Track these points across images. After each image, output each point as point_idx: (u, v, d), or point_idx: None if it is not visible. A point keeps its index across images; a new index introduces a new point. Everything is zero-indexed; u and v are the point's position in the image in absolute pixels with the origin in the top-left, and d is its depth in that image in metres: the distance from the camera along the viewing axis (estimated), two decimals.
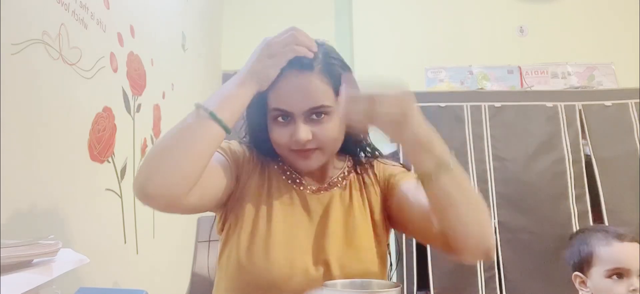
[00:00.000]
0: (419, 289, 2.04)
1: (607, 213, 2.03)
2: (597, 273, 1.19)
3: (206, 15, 2.89)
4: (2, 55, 0.98)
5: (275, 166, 0.92)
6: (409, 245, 1.99)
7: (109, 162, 1.47)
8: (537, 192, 2.07)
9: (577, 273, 1.24)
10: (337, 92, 0.76)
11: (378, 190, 0.94)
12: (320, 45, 0.85)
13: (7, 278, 0.54)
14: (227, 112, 0.76)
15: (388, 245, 0.97)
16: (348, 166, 0.95)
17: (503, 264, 2.00)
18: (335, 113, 0.82)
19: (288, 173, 0.92)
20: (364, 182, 0.94)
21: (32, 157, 1.09)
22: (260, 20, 3.38)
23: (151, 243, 1.79)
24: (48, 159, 1.15)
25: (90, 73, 1.36)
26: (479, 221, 0.74)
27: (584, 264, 1.22)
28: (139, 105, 1.72)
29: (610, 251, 1.18)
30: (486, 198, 2.06)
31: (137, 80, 1.71)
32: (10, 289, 0.54)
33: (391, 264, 1.02)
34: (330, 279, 0.79)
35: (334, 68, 0.83)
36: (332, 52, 0.86)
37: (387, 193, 0.93)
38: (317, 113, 0.82)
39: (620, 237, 1.19)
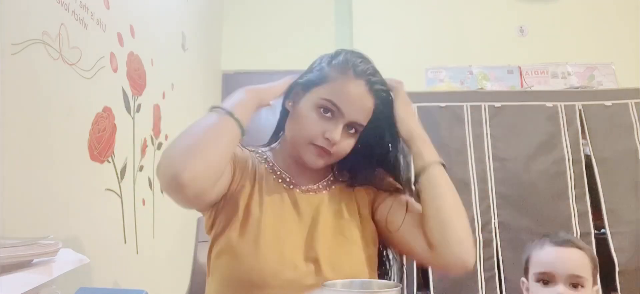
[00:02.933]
0: (419, 289, 2.04)
1: (607, 213, 2.03)
2: (530, 277, 1.12)
3: (206, 15, 2.89)
4: (2, 55, 0.98)
5: (265, 166, 0.93)
6: None
7: (109, 162, 1.47)
8: (537, 192, 2.07)
9: (522, 278, 1.18)
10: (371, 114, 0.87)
11: (367, 199, 0.95)
12: (368, 60, 0.89)
13: (7, 278, 0.54)
14: (242, 115, 0.80)
15: (382, 248, 0.98)
16: (332, 177, 0.97)
17: (503, 264, 2.00)
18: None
19: (278, 172, 0.93)
20: (354, 188, 0.95)
21: (32, 157, 1.09)
22: (260, 21, 3.38)
23: (151, 243, 1.79)
24: (48, 159, 1.15)
25: (90, 73, 1.36)
26: (462, 224, 0.83)
27: (525, 269, 1.16)
28: (139, 105, 1.72)
29: (539, 255, 1.10)
30: (486, 198, 2.06)
31: (137, 80, 1.71)
32: (10, 289, 0.54)
33: (391, 264, 1.02)
34: (321, 276, 0.80)
35: (379, 93, 0.88)
36: (378, 73, 0.90)
37: (375, 203, 0.95)
38: (355, 127, 0.87)
39: (560, 243, 1.09)
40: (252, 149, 0.97)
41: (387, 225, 0.90)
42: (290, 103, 0.93)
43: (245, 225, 0.84)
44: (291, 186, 0.91)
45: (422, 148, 0.87)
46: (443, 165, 0.87)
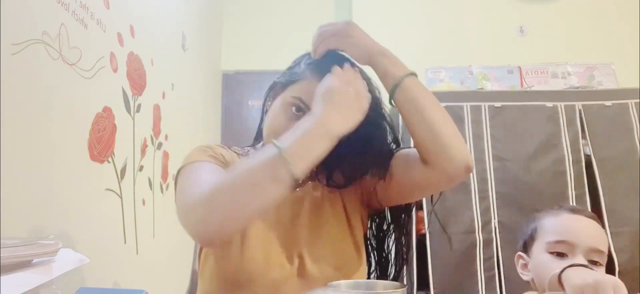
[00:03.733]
0: (419, 289, 2.04)
1: (607, 213, 2.03)
2: (538, 247, 0.94)
3: (206, 15, 2.89)
4: (2, 55, 0.98)
5: None
6: (406, 238, 1.99)
7: (109, 162, 1.47)
8: (537, 192, 2.07)
9: (519, 252, 1.03)
10: None
11: (352, 189, 0.93)
12: (335, 54, 0.85)
13: (7, 278, 0.54)
14: (309, 166, 0.69)
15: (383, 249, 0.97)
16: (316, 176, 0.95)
17: (503, 264, 1.99)
18: None
19: None
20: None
21: (32, 157, 1.09)
22: (260, 21, 3.38)
23: (151, 243, 1.79)
24: (48, 159, 1.15)
25: (90, 73, 1.36)
26: (451, 128, 0.78)
27: (528, 242, 1.00)
28: (139, 105, 1.72)
29: (555, 222, 0.94)
30: (486, 198, 2.06)
31: (137, 80, 1.71)
32: (10, 289, 0.54)
33: (395, 265, 1.01)
34: (306, 273, 0.80)
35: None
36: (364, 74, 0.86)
37: (363, 186, 0.92)
38: None
39: (574, 211, 0.96)
40: (238, 150, 0.96)
41: (383, 184, 0.86)
42: (269, 102, 0.92)
43: None
44: None
45: (387, 66, 0.80)
46: (413, 74, 0.80)
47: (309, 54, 0.90)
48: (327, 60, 0.83)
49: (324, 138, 0.70)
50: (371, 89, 0.84)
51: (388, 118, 0.89)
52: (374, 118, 0.84)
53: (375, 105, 0.85)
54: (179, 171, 0.82)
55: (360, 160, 0.87)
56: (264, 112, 0.95)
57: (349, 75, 0.79)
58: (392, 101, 0.81)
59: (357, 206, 0.93)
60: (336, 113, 0.72)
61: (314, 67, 0.85)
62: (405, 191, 0.88)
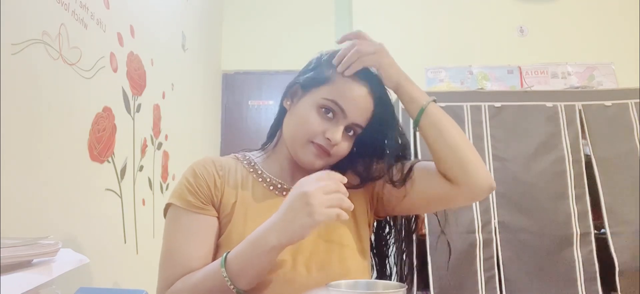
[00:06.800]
0: (419, 289, 2.04)
1: (607, 213, 2.03)
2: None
3: (206, 15, 2.89)
4: (2, 55, 0.98)
5: (254, 175, 0.91)
6: (408, 246, 1.99)
7: (109, 162, 1.47)
8: (537, 192, 2.07)
9: None
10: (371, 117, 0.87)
11: (362, 198, 0.93)
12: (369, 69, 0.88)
13: (7, 278, 0.54)
14: (254, 280, 0.74)
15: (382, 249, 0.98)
16: None
17: (503, 264, 1.99)
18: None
19: (268, 180, 0.90)
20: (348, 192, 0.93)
21: (32, 157, 1.09)
22: (260, 21, 3.38)
23: (151, 243, 1.79)
24: (48, 159, 1.15)
25: (90, 73, 1.36)
26: (472, 150, 0.84)
27: None
28: (139, 105, 1.72)
29: None
30: (486, 198, 2.06)
31: (137, 80, 1.71)
32: (10, 289, 0.54)
33: (392, 267, 1.02)
34: (310, 278, 0.80)
35: (379, 97, 0.87)
36: (377, 77, 0.89)
37: (375, 190, 0.93)
38: (353, 130, 0.87)
39: None
40: (239, 156, 0.95)
41: (398, 193, 0.88)
42: (288, 102, 0.91)
43: (232, 231, 0.83)
44: (284, 193, 0.89)
45: (412, 92, 0.86)
46: (435, 100, 0.86)
47: (329, 55, 0.91)
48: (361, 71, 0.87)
49: (263, 254, 0.71)
50: (387, 99, 0.89)
51: (401, 127, 0.92)
52: (388, 122, 0.89)
53: (390, 112, 0.89)
54: (165, 207, 0.87)
55: (376, 158, 0.91)
56: (281, 112, 0.95)
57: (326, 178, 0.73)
58: (416, 127, 0.86)
59: (366, 213, 0.93)
60: (282, 225, 0.71)
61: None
62: (424, 203, 0.91)
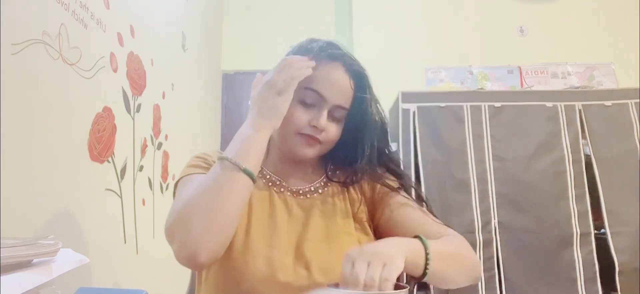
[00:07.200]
0: (419, 289, 2.04)
1: (607, 213, 2.03)
2: None
3: (206, 15, 2.89)
4: (2, 55, 0.98)
5: None
6: None
7: (109, 162, 1.47)
8: (537, 192, 2.07)
9: None
10: (352, 96, 0.87)
11: (362, 198, 0.94)
12: (337, 44, 0.90)
13: (7, 278, 0.54)
14: (252, 160, 0.78)
15: None
16: (326, 178, 0.96)
17: (503, 264, 1.99)
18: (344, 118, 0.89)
19: (267, 176, 0.92)
20: (348, 189, 0.94)
21: (32, 157, 1.09)
22: (260, 21, 3.38)
23: (151, 243, 1.79)
24: (48, 159, 1.15)
25: (90, 73, 1.36)
26: (472, 266, 0.83)
27: None
28: (139, 105, 1.72)
29: None
30: (486, 198, 2.06)
31: (137, 80, 1.71)
32: (10, 289, 0.54)
33: None
34: (312, 281, 0.79)
35: (355, 73, 0.88)
36: (351, 53, 0.91)
37: (376, 205, 0.93)
38: (339, 112, 0.88)
39: None
40: None
41: (380, 215, 0.91)
42: None
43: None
44: (282, 190, 0.91)
45: (417, 259, 0.73)
46: (422, 242, 0.74)
47: (300, 48, 0.92)
48: (322, 47, 0.89)
49: (255, 135, 0.80)
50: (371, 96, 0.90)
51: (383, 119, 0.93)
52: (367, 114, 0.89)
53: (366, 84, 0.90)
54: (175, 185, 0.87)
55: (359, 153, 0.91)
56: None
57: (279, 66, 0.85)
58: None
59: (366, 219, 0.93)
60: (258, 118, 0.82)
61: (314, 56, 0.88)
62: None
